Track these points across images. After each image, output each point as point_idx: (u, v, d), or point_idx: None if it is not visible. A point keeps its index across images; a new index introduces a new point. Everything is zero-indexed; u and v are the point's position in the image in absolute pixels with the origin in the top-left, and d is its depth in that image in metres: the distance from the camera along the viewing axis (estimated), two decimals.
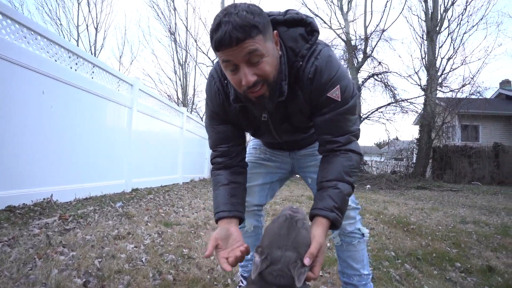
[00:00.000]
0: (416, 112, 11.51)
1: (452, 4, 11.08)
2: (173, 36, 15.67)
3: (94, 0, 16.44)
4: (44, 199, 2.84)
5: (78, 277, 1.35)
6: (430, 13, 11.02)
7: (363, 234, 1.13)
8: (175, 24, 15.77)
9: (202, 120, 9.56)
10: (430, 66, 10.89)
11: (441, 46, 11.39)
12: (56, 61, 3.04)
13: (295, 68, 0.84)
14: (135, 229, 2.25)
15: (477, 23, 11.30)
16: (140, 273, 1.46)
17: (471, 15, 11.21)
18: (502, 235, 2.73)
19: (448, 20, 11.22)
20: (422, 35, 11.48)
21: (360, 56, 11.48)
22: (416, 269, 1.75)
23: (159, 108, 5.77)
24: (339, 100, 0.83)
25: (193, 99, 16.69)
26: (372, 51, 11.25)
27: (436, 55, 11.11)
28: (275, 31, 0.80)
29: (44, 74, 2.85)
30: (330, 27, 11.70)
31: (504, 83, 15.11)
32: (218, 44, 0.71)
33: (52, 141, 3.00)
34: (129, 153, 4.45)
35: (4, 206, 2.43)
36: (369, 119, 11.70)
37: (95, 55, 15.80)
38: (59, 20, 15.83)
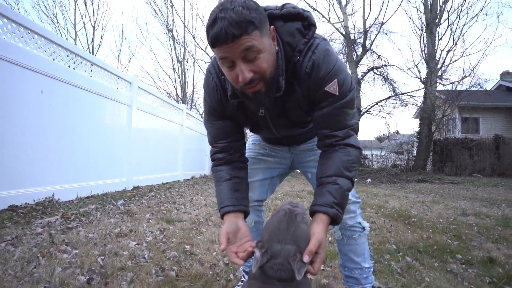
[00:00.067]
0: (416, 105, 11.50)
1: None
2: (171, 33, 15.57)
3: None
4: (46, 198, 2.85)
5: (82, 274, 1.36)
6: (429, 5, 10.92)
7: (363, 228, 1.13)
8: (173, 20, 15.65)
9: (201, 117, 9.54)
10: (430, 58, 10.83)
11: (441, 38, 11.31)
12: (54, 60, 3.03)
13: (292, 63, 0.83)
14: (137, 227, 2.26)
15: (477, 14, 11.29)
16: (143, 269, 1.47)
17: (470, 6, 11.20)
18: (503, 227, 2.74)
19: (448, 12, 11.13)
20: (422, 27, 11.40)
21: (359, 50, 11.42)
22: (417, 262, 1.76)
23: (159, 105, 5.77)
24: (337, 94, 0.83)
25: (192, 96, 16.66)
26: (371, 45, 11.18)
27: (435, 48, 11.03)
28: (272, 26, 0.79)
29: (43, 73, 2.84)
30: (329, 21, 11.60)
31: (504, 75, 15.03)
32: (214, 40, 0.70)
33: (52, 140, 3.00)
34: (130, 151, 4.45)
35: (6, 206, 2.44)
36: (369, 113, 11.68)
37: (93, 54, 15.74)
38: (56, 19, 15.77)
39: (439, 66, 11.15)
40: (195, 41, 15.39)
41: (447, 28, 11.20)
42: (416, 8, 12.44)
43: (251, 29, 0.70)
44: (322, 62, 0.81)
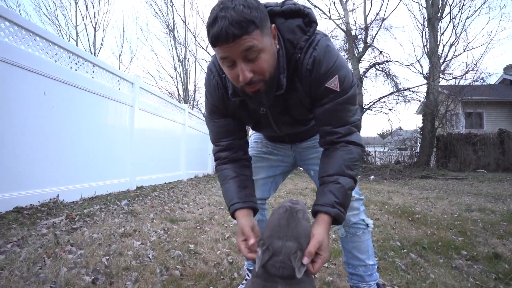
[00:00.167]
0: (419, 100, 11.42)
1: None
2: (172, 33, 15.58)
3: None
4: (50, 199, 2.88)
5: (87, 274, 1.37)
6: None
7: (367, 225, 1.13)
8: (173, 20, 15.68)
9: (203, 116, 9.55)
10: (432, 53, 10.74)
11: (443, 33, 11.20)
12: (56, 61, 3.05)
13: (293, 60, 0.83)
14: (141, 226, 2.27)
15: (479, 8, 11.07)
16: (147, 269, 1.48)
17: None
18: (508, 222, 2.72)
19: (450, 6, 11.02)
20: (423, 22, 11.29)
21: (361, 46, 11.36)
22: (421, 258, 1.75)
23: (161, 105, 5.78)
24: (338, 90, 0.82)
25: (194, 95, 16.67)
26: (372, 41, 11.13)
27: (438, 42, 10.93)
28: (273, 25, 0.78)
29: (45, 75, 2.86)
30: (330, 18, 11.54)
31: (508, 68, 14.85)
32: (215, 39, 0.69)
33: (54, 141, 3.02)
34: (132, 151, 4.47)
35: (12, 207, 2.46)
36: (371, 110, 11.62)
37: (94, 55, 15.79)
38: (58, 21, 15.83)
39: (441, 61, 11.07)
40: (196, 40, 15.43)
41: (449, 22, 11.11)
42: (418, 2, 12.30)
43: (252, 28, 0.69)
44: (323, 58, 0.81)
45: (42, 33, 2.86)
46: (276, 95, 0.84)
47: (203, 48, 14.64)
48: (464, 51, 11.39)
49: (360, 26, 11.51)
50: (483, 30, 38.50)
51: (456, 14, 11.18)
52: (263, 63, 0.74)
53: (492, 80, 13.63)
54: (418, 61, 12.77)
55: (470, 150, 11.01)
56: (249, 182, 0.96)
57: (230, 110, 0.95)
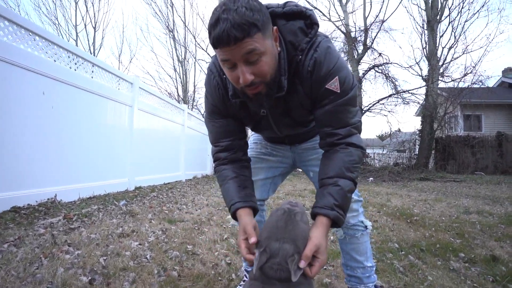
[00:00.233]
0: (418, 103, 11.43)
1: None
2: (172, 33, 15.57)
3: None
4: (48, 199, 2.86)
5: (84, 275, 1.36)
6: (430, 1, 10.87)
7: (366, 227, 1.13)
8: (173, 20, 15.65)
9: (203, 117, 9.54)
10: (431, 56, 10.78)
11: (442, 35, 11.26)
12: (55, 61, 3.04)
13: (294, 62, 0.83)
14: (139, 227, 2.27)
15: (478, 10, 11.12)
16: (145, 270, 1.47)
17: (472, 2, 11.01)
18: (506, 225, 2.73)
19: (449, 9, 11.07)
20: (423, 24, 11.34)
21: (360, 48, 11.38)
22: (420, 260, 1.75)
23: (160, 106, 5.77)
24: (339, 91, 0.82)
25: (194, 96, 16.65)
26: (372, 43, 11.13)
27: (437, 45, 10.98)
28: (275, 27, 0.78)
29: (44, 74, 2.85)
30: (329, 19, 11.56)
31: (507, 71, 14.92)
32: (216, 42, 0.69)
33: (53, 141, 3.01)
34: (131, 152, 4.46)
35: (9, 207, 2.45)
36: (370, 111, 11.63)
37: (94, 55, 15.77)
38: (57, 20, 15.79)
39: (440, 63, 11.11)
40: (195, 41, 15.36)
41: (448, 25, 11.16)
42: (417, 5, 12.34)
43: (254, 31, 0.68)
44: (324, 60, 0.81)
45: (42, 33, 2.86)
46: (277, 97, 0.84)
47: (202, 49, 14.61)
48: (463, 53, 11.47)
49: (359, 28, 11.54)
50: (482, 33, 38.65)
51: (455, 17, 11.19)
52: (264, 65, 0.73)
53: (491, 83, 13.70)
54: (417, 63, 12.85)
55: (468, 152, 11.05)
56: (248, 183, 0.96)
57: (230, 111, 0.95)
